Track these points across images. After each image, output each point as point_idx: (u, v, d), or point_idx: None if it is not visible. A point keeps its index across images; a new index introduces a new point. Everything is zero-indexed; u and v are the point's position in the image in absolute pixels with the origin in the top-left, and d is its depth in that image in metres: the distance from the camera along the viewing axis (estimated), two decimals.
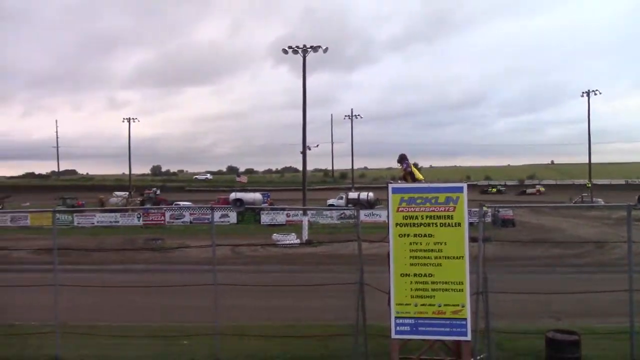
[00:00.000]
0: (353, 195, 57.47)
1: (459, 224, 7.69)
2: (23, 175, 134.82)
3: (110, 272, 21.71)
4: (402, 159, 10.09)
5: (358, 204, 50.92)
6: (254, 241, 32.06)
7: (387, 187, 8.20)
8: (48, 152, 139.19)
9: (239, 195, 55.52)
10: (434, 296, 7.73)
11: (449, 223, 7.70)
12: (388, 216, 8.07)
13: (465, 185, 8.02)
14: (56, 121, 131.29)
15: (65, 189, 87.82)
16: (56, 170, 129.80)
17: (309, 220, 37.31)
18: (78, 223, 46.21)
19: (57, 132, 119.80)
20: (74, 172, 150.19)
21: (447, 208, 7.71)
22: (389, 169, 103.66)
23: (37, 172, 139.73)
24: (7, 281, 16.81)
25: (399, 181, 10.24)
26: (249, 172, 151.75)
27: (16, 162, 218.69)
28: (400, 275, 7.82)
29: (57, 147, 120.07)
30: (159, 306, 15.34)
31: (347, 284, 9.27)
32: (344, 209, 46.75)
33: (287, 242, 32.91)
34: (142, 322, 13.94)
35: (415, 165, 10.11)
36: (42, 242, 31.94)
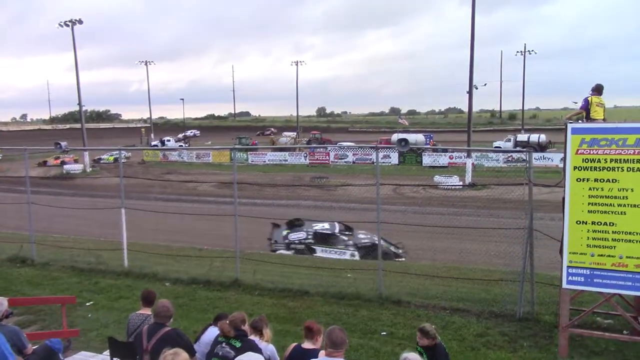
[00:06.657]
0: (522, 137, 53.90)
1: None
2: (205, 116, 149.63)
3: (280, 207, 23.30)
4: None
5: (528, 146, 47.81)
6: (415, 182, 31.93)
7: (565, 128, 7.39)
8: (227, 96, 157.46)
9: (403, 135, 55.08)
10: (615, 247, 7.03)
11: (638, 168, 6.85)
12: (565, 159, 7.37)
13: None
14: (232, 66, 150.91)
15: (240, 129, 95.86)
16: (232, 112, 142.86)
17: (473, 163, 35.97)
18: (252, 161, 50.21)
19: (233, 77, 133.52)
20: (247, 113, 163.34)
21: (636, 151, 6.84)
22: (565, 109, 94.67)
23: (216, 114, 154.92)
24: (197, 210, 19.09)
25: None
26: (412, 113, 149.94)
27: (201, 105, 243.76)
28: (576, 222, 7.21)
29: (234, 90, 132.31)
30: None
31: (515, 229, 8.87)
32: (512, 151, 44.06)
33: (449, 184, 32.22)
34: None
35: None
36: (222, 177, 35.41)
